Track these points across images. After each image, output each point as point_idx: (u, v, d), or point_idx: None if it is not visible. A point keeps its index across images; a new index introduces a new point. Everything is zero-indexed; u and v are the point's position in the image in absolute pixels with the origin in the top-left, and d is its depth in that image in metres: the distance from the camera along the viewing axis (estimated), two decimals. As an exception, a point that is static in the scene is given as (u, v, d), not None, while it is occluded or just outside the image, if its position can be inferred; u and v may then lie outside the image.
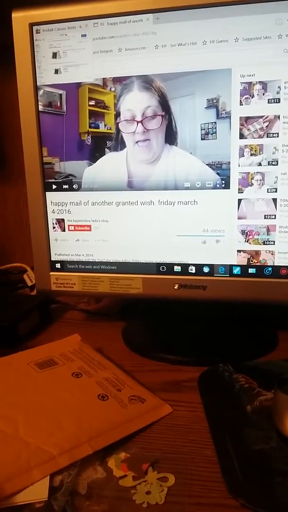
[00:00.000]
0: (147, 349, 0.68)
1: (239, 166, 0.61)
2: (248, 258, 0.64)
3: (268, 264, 0.63)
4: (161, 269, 0.67)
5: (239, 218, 0.63)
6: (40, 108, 0.66)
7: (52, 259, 0.72)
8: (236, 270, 0.65)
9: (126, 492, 0.42)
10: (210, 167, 0.61)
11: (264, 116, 0.59)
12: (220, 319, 0.73)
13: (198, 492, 0.42)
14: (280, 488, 0.41)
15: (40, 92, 0.66)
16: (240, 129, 0.59)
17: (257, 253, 0.63)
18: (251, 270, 0.64)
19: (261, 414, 0.51)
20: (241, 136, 0.60)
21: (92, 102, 0.64)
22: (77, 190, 0.67)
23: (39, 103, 0.66)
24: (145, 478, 0.43)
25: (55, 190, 0.68)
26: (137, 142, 0.63)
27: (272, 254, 0.63)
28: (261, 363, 0.64)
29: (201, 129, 0.60)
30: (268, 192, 0.61)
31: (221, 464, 0.44)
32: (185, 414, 0.53)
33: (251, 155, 0.60)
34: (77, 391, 0.55)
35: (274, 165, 0.60)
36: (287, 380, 0.51)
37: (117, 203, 0.66)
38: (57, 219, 0.70)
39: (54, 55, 0.64)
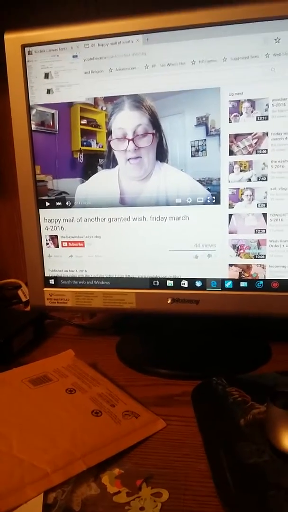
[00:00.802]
0: (141, 363, 0.69)
1: (229, 182, 0.62)
2: (239, 272, 0.64)
3: (259, 278, 0.64)
4: (154, 284, 0.68)
5: (230, 232, 0.63)
6: (33, 127, 0.67)
7: (46, 275, 0.72)
8: (228, 284, 0.65)
9: (120, 508, 0.42)
10: (201, 183, 0.62)
11: (253, 133, 0.60)
12: (213, 332, 0.74)
13: (192, 507, 0.42)
14: (274, 501, 0.41)
15: (33, 112, 0.67)
16: (230, 146, 0.61)
17: (249, 267, 0.64)
18: (242, 284, 0.65)
19: (255, 427, 0.51)
20: (231, 152, 0.61)
21: (84, 121, 0.65)
22: (70, 206, 0.68)
23: (32, 122, 0.67)
24: (139, 494, 0.43)
25: (48, 207, 0.69)
26: (128, 159, 0.64)
27: (263, 267, 0.64)
28: (255, 376, 0.64)
29: (191, 146, 0.62)
30: (258, 207, 0.62)
31: (215, 479, 0.44)
32: (179, 429, 0.53)
33: (241, 171, 0.61)
34: (70, 408, 0.55)
35: (264, 180, 0.61)
36: (280, 393, 0.52)
37: (109, 219, 0.67)
38: (50, 236, 0.70)
39: (46, 76, 0.65)
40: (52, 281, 0.72)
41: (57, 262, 0.71)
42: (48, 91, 0.66)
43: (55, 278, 0.72)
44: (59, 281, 0.72)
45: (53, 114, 0.66)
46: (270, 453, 0.47)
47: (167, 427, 0.54)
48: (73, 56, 0.64)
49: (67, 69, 0.64)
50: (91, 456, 0.47)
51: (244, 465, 0.46)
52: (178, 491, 0.44)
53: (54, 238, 0.70)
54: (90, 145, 0.65)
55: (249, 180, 0.61)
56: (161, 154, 0.63)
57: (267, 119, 0.59)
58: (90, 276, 0.70)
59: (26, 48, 0.65)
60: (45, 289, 0.72)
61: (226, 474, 0.45)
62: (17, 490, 0.43)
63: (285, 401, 0.50)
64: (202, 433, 0.52)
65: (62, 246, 0.70)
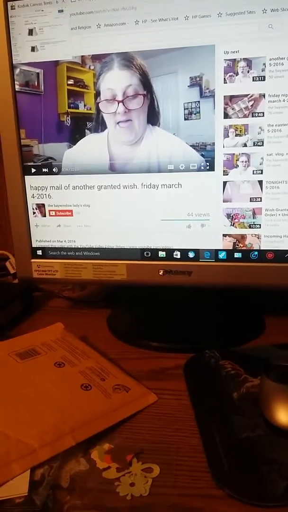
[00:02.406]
0: (132, 336, 0.67)
1: (223, 147, 0.59)
2: (234, 243, 0.62)
3: (254, 248, 0.62)
4: (145, 255, 0.66)
5: (224, 201, 0.61)
6: (17, 88, 0.63)
7: (33, 245, 0.69)
8: (222, 255, 0.63)
9: (109, 484, 0.41)
10: (194, 149, 0.59)
11: (249, 94, 0.57)
12: (206, 305, 0.72)
13: (184, 483, 0.41)
14: (267, 477, 0.40)
15: (16, 71, 0.63)
16: (225, 108, 0.57)
17: (243, 237, 0.62)
18: (237, 255, 0.63)
19: (248, 401, 0.50)
20: (226, 115, 0.58)
21: (71, 81, 0.61)
22: (57, 173, 0.65)
23: (16, 82, 0.63)
24: (129, 470, 0.42)
25: (34, 173, 0.66)
26: (118, 122, 0.61)
27: (258, 238, 0.61)
28: (248, 349, 0.63)
29: (184, 109, 0.58)
30: (253, 174, 0.59)
31: (207, 453, 0.43)
32: (171, 403, 0.52)
33: (236, 135, 0.58)
34: (59, 382, 0.54)
35: (260, 145, 0.58)
36: (274, 366, 0.51)
37: (98, 187, 0.64)
38: (37, 204, 0.67)
39: (30, 32, 0.61)
40: (39, 252, 0.70)
41: (44, 232, 0.69)
42: (33, 49, 0.62)
43: (42, 249, 0.69)
44: (47, 252, 0.69)
45: (38, 74, 0.62)
46: (264, 427, 0.46)
47: (159, 401, 0.53)
48: (59, 11, 0.60)
49: (52, 25, 0.60)
50: (80, 431, 0.46)
51: (237, 439, 0.45)
52: (170, 466, 0.43)
53: (41, 206, 0.67)
54: (77, 107, 0.62)
55: (245, 145, 0.58)
56: (153, 117, 0.60)
57: (264, 79, 0.56)
58: (79, 246, 0.68)
59: (8, 3, 0.61)
60: (32, 260, 0.70)
61: (219, 448, 0.44)
62: (2, 466, 0.42)
63: (279, 374, 0.49)
64: (195, 407, 0.51)
65: (50, 215, 0.67)
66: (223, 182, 0.60)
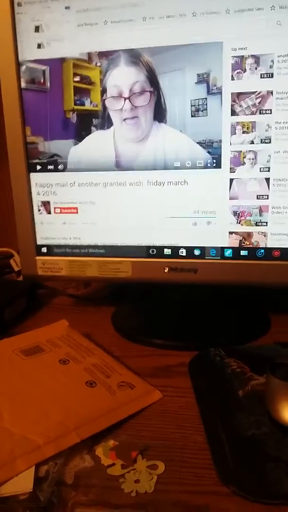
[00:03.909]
0: (137, 334, 0.67)
1: (230, 144, 0.58)
2: (240, 240, 0.62)
3: (260, 246, 0.62)
4: (151, 252, 0.66)
5: (230, 198, 0.61)
6: (23, 85, 0.63)
7: (38, 243, 0.69)
8: (228, 253, 0.63)
9: (114, 481, 0.41)
10: (201, 146, 0.59)
11: (256, 91, 0.56)
12: (211, 302, 0.72)
13: (189, 480, 0.41)
14: (272, 474, 0.40)
15: (23, 68, 0.63)
16: (232, 106, 0.57)
17: (249, 234, 0.62)
18: (243, 253, 0.62)
19: (253, 399, 0.50)
20: (233, 112, 0.57)
21: (77, 78, 0.61)
22: (63, 170, 0.65)
23: (22, 79, 0.63)
24: (134, 466, 0.42)
25: (40, 171, 0.66)
26: (124, 119, 0.60)
27: (264, 235, 0.61)
28: (253, 347, 0.62)
29: (191, 106, 0.58)
30: (260, 171, 0.59)
31: (212, 451, 0.43)
32: (176, 400, 0.52)
33: (243, 132, 0.58)
34: (64, 378, 0.54)
35: (267, 143, 0.58)
36: (280, 364, 0.50)
37: (104, 184, 0.64)
38: (42, 202, 0.67)
39: (37, 29, 0.61)
40: (44, 249, 0.69)
41: (49, 230, 0.68)
42: (39, 46, 0.62)
43: (47, 246, 0.69)
44: (52, 249, 0.69)
45: (44, 71, 0.62)
46: (269, 425, 0.46)
47: (164, 398, 0.52)
48: (66, 8, 0.60)
49: (59, 22, 0.60)
50: (84, 428, 0.46)
51: (242, 437, 0.45)
52: (174, 463, 0.42)
53: (46, 204, 0.67)
54: (83, 104, 0.62)
55: (252, 142, 0.58)
56: (159, 114, 0.59)
57: (272, 76, 0.56)
58: (84, 244, 0.68)
59: (15, 0, 0.60)
60: (37, 257, 0.70)
61: (224, 446, 0.43)
62: (7, 463, 0.41)
63: (285, 372, 0.49)
64: (199, 404, 0.50)
65: (55, 213, 0.67)
66: (230, 179, 0.60)
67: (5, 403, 0.49)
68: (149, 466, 0.42)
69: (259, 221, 0.61)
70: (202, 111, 0.58)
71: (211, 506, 0.38)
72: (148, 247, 0.65)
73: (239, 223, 0.61)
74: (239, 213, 0.61)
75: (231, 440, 0.44)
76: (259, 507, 0.37)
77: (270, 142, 0.57)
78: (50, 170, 0.65)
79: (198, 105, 0.58)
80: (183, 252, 0.64)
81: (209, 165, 0.60)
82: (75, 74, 0.61)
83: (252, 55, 0.55)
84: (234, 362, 0.57)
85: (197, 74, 0.57)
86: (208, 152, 0.59)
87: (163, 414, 0.50)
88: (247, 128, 0.58)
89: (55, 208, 0.67)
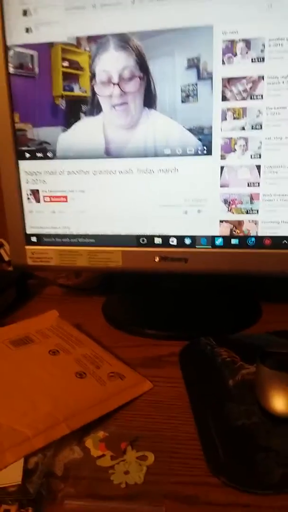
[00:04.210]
0: (127, 324, 0.67)
1: (221, 130, 0.58)
2: (231, 229, 0.61)
3: (251, 234, 0.61)
4: (141, 241, 0.65)
5: (221, 186, 0.60)
6: (11, 70, 0.61)
7: (27, 232, 0.68)
8: (219, 241, 0.62)
9: (104, 472, 0.40)
10: (191, 132, 0.58)
11: (247, 76, 0.55)
12: (202, 291, 0.71)
13: (179, 471, 0.40)
14: (263, 465, 0.40)
15: (10, 53, 0.61)
16: (223, 91, 0.56)
17: (240, 223, 0.61)
18: (234, 241, 0.62)
19: (244, 388, 0.50)
20: (224, 98, 0.56)
21: (66, 63, 0.60)
22: (52, 158, 0.64)
23: (9, 64, 0.61)
24: (123, 458, 0.42)
25: (29, 158, 0.65)
26: (114, 106, 0.59)
27: (255, 223, 0.60)
28: (244, 336, 0.62)
29: (182, 91, 0.57)
30: (251, 158, 0.58)
31: (202, 441, 0.43)
32: (166, 390, 0.52)
33: (234, 118, 0.57)
34: (53, 369, 0.53)
35: (258, 129, 0.57)
36: (270, 353, 0.50)
37: (94, 172, 0.63)
38: (31, 190, 0.66)
39: (25, 13, 0.60)
40: (34, 239, 0.69)
41: (39, 219, 0.67)
42: (27, 30, 0.60)
43: (37, 235, 0.68)
44: (41, 239, 0.68)
45: (32, 56, 0.60)
46: (260, 414, 0.46)
47: (154, 388, 0.52)
48: (53, -10, 0.58)
49: (47, 5, 0.59)
50: (74, 419, 0.45)
51: (232, 427, 0.44)
52: (165, 454, 0.42)
53: (35, 192, 0.66)
54: (72, 90, 0.60)
55: (243, 128, 0.57)
56: (149, 100, 0.58)
57: (263, 60, 0.54)
58: (74, 233, 0.67)
59: (1, -18, 0.59)
60: (26, 247, 0.69)
61: (214, 436, 0.43)
62: (-5, 455, 0.41)
63: (275, 362, 0.49)
64: (190, 394, 0.50)
65: (44, 201, 0.66)
66: (221, 166, 0.59)
67: (-6, 394, 0.48)
68: (139, 457, 0.42)
69: (250, 209, 0.60)
70: (192, 96, 0.57)
71: (201, 497, 0.38)
72: (139, 236, 0.65)
73: (230, 211, 0.61)
74: (229, 201, 0.60)
75: (221, 430, 0.44)
76: (250, 497, 0.37)
77: (261, 128, 0.57)
78: (39, 158, 0.64)
79: (189, 90, 0.57)
80: (173, 241, 0.64)
81: (199, 152, 0.59)
82: (63, 59, 0.60)
83: (243, 39, 0.54)
84: (225, 352, 0.56)
85: (187, 59, 0.56)
86: (199, 139, 0.58)
87: (153, 404, 0.49)
88: (238, 114, 0.57)
89: (44, 196, 0.66)
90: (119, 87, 0.58)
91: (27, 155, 0.65)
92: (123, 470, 0.40)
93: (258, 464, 0.40)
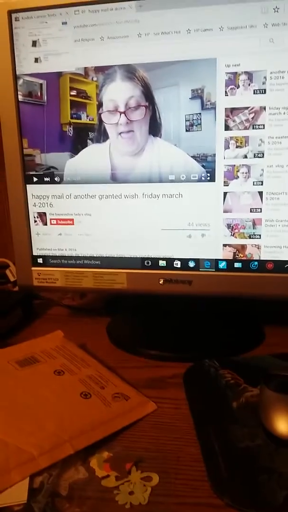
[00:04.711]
0: (132, 345, 0.67)
1: (224, 158, 0.59)
2: (234, 252, 0.63)
3: (254, 259, 0.62)
4: (146, 264, 0.66)
5: (224, 211, 0.61)
6: (20, 98, 0.64)
7: (34, 254, 0.70)
8: (222, 265, 0.64)
9: (108, 492, 0.41)
10: (195, 159, 0.60)
11: (249, 107, 0.57)
12: (206, 314, 0.72)
13: (183, 492, 0.41)
14: (266, 486, 0.40)
15: (20, 82, 0.63)
16: (226, 120, 0.58)
17: (243, 247, 0.62)
18: (237, 265, 0.63)
19: (247, 410, 0.50)
20: (226, 127, 0.58)
21: (74, 92, 0.62)
22: (59, 182, 0.66)
23: (19, 93, 0.64)
24: (128, 478, 0.42)
25: (36, 182, 0.67)
26: (120, 133, 0.61)
27: (258, 248, 0.62)
28: (247, 358, 0.63)
29: (186, 120, 0.59)
30: (254, 185, 0.60)
31: (206, 463, 0.43)
32: (170, 411, 0.52)
33: (237, 147, 0.59)
34: (59, 389, 0.54)
35: (260, 157, 0.59)
36: (273, 376, 0.51)
37: (100, 196, 0.65)
38: (38, 213, 0.68)
39: (34, 44, 0.62)
40: (40, 260, 0.70)
41: (45, 241, 0.69)
42: (36, 60, 0.62)
43: (43, 257, 0.70)
44: (47, 260, 0.70)
45: (41, 85, 0.63)
46: (263, 436, 0.46)
47: (158, 409, 0.53)
48: (63, 23, 0.61)
49: (56, 37, 0.61)
50: (79, 439, 0.46)
51: (236, 448, 0.45)
52: (169, 475, 0.43)
53: (42, 215, 0.68)
54: (80, 118, 0.62)
55: (245, 156, 0.59)
56: (154, 128, 0.60)
57: (264, 92, 0.57)
58: (80, 255, 0.68)
59: (13, 14, 0.62)
60: (33, 268, 0.70)
61: (218, 457, 0.44)
62: (2, 474, 0.42)
63: (279, 384, 0.49)
64: (194, 416, 0.51)
65: (51, 224, 0.68)
66: (224, 192, 0.61)
67: (0, 414, 0.49)
68: (143, 478, 0.42)
69: (252, 233, 0.61)
70: (196, 125, 0.59)
71: (205, 518, 0.38)
72: (143, 259, 0.66)
73: (233, 235, 0.62)
74: (232, 226, 0.62)
75: (225, 452, 0.44)
76: (252, 519, 0.38)
77: (263, 156, 0.58)
78: (47, 182, 0.66)
79: (193, 120, 0.59)
80: (177, 264, 0.65)
81: (203, 178, 0.61)
82: (71, 88, 0.62)
83: (245, 72, 0.57)
84: (228, 374, 0.57)
85: (192, 90, 0.58)
86: (202, 166, 0.60)
87: (158, 425, 0.50)
88: (241, 142, 0.59)
89: (51, 219, 0.68)
90: (125, 116, 0.61)
91: (35, 179, 0.67)
92: (128, 491, 0.41)
93: (262, 486, 0.40)
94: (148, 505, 0.39)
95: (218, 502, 0.39)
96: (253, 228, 0.61)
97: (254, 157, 0.59)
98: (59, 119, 0.63)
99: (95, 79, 0.61)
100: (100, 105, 0.61)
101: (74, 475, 0.43)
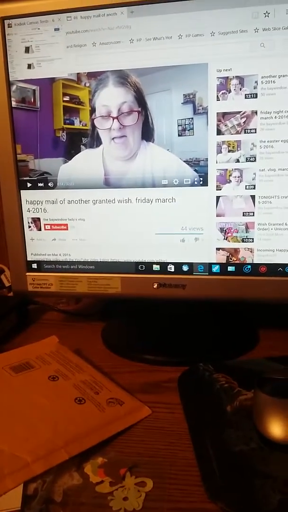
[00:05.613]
0: (126, 349, 0.67)
1: (216, 162, 0.60)
2: (227, 256, 0.63)
3: (247, 262, 0.63)
4: (139, 268, 0.66)
5: (217, 215, 0.62)
6: (13, 104, 0.64)
7: (28, 259, 0.70)
8: (215, 268, 0.64)
9: (103, 498, 0.41)
10: (188, 164, 0.60)
11: (241, 111, 0.58)
12: (200, 318, 0.72)
13: (177, 497, 0.41)
14: (260, 491, 0.40)
15: (13, 88, 0.64)
16: (218, 125, 0.59)
17: (236, 250, 0.62)
18: (230, 268, 0.63)
19: (242, 414, 0.50)
20: (219, 132, 0.59)
21: (67, 98, 0.62)
22: (53, 188, 0.66)
23: (12, 99, 0.64)
24: (122, 484, 0.42)
25: (30, 188, 0.67)
26: (113, 138, 0.62)
27: (251, 251, 0.62)
28: (242, 362, 0.63)
29: (178, 125, 0.59)
30: (246, 189, 0.60)
31: (201, 467, 0.43)
32: (165, 416, 0.52)
33: (229, 151, 0.59)
34: (53, 395, 0.54)
35: (252, 161, 0.59)
36: (267, 379, 0.51)
37: (94, 201, 0.65)
38: (32, 218, 0.68)
39: (27, 50, 0.62)
40: (34, 266, 0.70)
41: (39, 246, 0.69)
42: (29, 66, 0.63)
43: (38, 262, 0.70)
44: (42, 266, 0.70)
45: (34, 91, 0.63)
46: (257, 440, 0.46)
47: (153, 414, 0.53)
48: (55, 29, 0.61)
49: (48, 43, 0.61)
50: (73, 445, 0.46)
51: (230, 453, 0.45)
52: (163, 480, 0.43)
53: (36, 220, 0.68)
54: (73, 123, 0.63)
55: (237, 160, 0.59)
56: (147, 133, 0.61)
57: (256, 97, 0.57)
58: (74, 260, 0.68)
59: (5, 21, 0.62)
60: (27, 273, 0.70)
61: (212, 462, 0.44)
62: (-5, 481, 0.41)
63: (273, 388, 0.49)
64: (188, 420, 0.51)
65: (45, 229, 0.68)
66: (216, 197, 0.61)
67: (-6, 420, 0.49)
68: (137, 483, 0.42)
69: (245, 237, 0.62)
70: (188, 130, 0.59)
71: (199, 523, 0.38)
72: (137, 263, 0.66)
73: (226, 239, 0.62)
74: (225, 230, 0.62)
75: (220, 456, 0.44)
76: (246, 523, 0.38)
77: (255, 160, 0.59)
78: (40, 188, 0.66)
79: (185, 124, 0.59)
80: (171, 268, 0.65)
81: (196, 183, 0.61)
82: (64, 94, 0.62)
83: (236, 76, 0.57)
84: (223, 378, 0.57)
85: (184, 95, 0.58)
86: (195, 170, 0.60)
87: (152, 430, 0.50)
88: (233, 147, 0.59)
89: (45, 224, 0.68)
90: (118, 121, 0.61)
91: (29, 185, 0.67)
92: (122, 496, 0.41)
93: (256, 490, 0.40)
94: (142, 510, 0.39)
95: (212, 506, 0.39)
96: (246, 232, 0.61)
97: (246, 161, 0.59)
98: (53, 124, 0.64)
99: (87, 84, 0.61)
100: (93, 110, 0.62)
101: (68, 481, 0.43)
